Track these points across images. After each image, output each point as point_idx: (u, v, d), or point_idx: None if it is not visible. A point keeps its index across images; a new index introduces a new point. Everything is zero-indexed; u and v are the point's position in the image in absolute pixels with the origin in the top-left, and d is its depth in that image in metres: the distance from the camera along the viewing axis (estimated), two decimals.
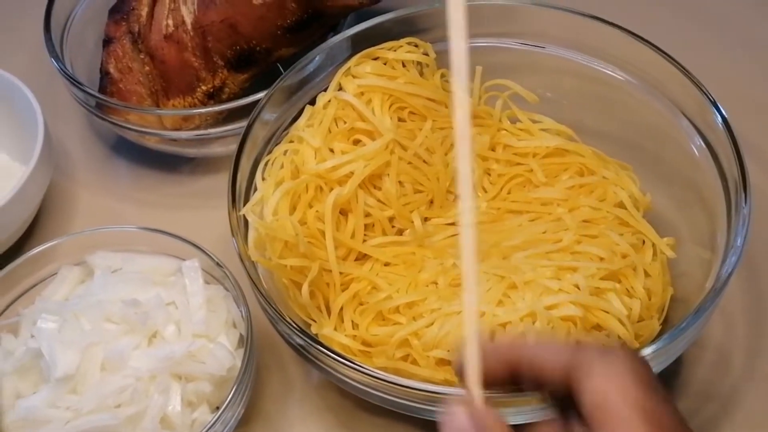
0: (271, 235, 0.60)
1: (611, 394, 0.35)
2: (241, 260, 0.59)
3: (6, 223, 0.69)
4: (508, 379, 0.39)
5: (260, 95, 0.69)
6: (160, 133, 0.73)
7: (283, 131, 0.67)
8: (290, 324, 0.57)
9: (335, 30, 0.74)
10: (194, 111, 0.72)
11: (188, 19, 0.71)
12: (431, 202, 0.67)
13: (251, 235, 0.61)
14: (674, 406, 0.35)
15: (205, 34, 0.71)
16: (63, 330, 0.60)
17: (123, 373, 0.58)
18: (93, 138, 0.81)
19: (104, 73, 0.75)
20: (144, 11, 0.72)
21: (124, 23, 0.74)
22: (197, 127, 0.73)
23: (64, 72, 0.73)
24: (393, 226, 0.66)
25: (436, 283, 0.61)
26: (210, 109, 0.72)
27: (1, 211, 0.67)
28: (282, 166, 0.64)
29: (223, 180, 0.74)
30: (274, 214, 0.61)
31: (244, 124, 0.70)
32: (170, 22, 0.72)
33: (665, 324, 0.62)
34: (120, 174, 0.78)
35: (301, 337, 0.56)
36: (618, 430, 0.34)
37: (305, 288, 0.59)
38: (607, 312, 0.57)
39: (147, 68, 0.73)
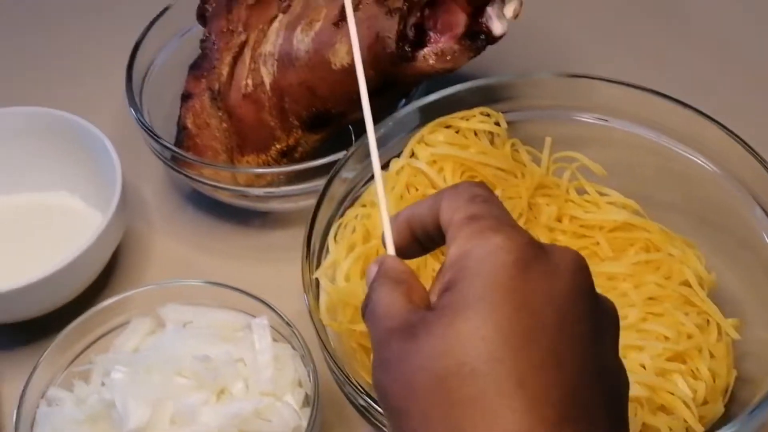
0: (343, 300, 0.61)
1: (451, 212, 0.42)
2: (313, 323, 0.60)
3: (81, 271, 0.71)
4: (414, 241, 0.45)
5: (332, 158, 0.71)
6: (233, 188, 0.75)
7: (356, 194, 0.69)
8: (357, 387, 0.58)
9: (408, 95, 0.76)
10: (268, 170, 0.74)
11: (267, 80, 0.73)
12: None
13: (323, 297, 0.62)
14: (498, 205, 0.42)
15: (283, 95, 0.73)
16: (135, 382, 0.61)
17: (192, 428, 0.60)
18: (169, 186, 0.83)
19: (182, 127, 0.77)
20: (225, 70, 0.74)
21: (203, 80, 0.76)
22: (269, 184, 0.74)
23: (143, 123, 0.76)
24: None
25: None
26: (283, 168, 0.73)
27: (77, 261, 0.68)
28: (354, 230, 0.65)
29: (291, 235, 0.77)
30: (346, 279, 0.62)
31: (313, 183, 0.73)
32: (250, 81, 0.74)
33: (729, 404, 0.62)
34: (193, 223, 0.80)
35: (365, 400, 0.57)
36: (454, 235, 0.41)
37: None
38: (673, 394, 0.58)
39: (224, 125, 0.75)
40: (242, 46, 0.75)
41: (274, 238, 0.79)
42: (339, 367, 0.58)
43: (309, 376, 0.63)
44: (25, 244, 0.76)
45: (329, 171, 0.72)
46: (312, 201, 0.74)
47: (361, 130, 0.77)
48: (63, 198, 0.80)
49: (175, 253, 0.78)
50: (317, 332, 0.60)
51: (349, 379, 0.58)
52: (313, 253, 0.64)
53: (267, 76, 0.73)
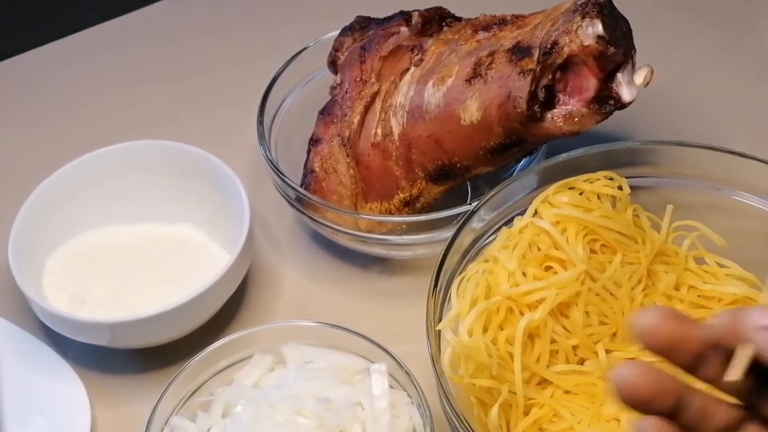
0: (466, 353, 0.62)
1: None
2: (435, 372, 0.61)
3: (207, 304, 0.73)
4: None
5: (455, 210, 0.73)
6: (353, 233, 0.76)
7: (480, 246, 0.70)
8: None
9: (531, 154, 0.77)
10: (390, 218, 0.76)
11: (396, 131, 0.75)
12: (614, 335, 0.69)
13: (446, 350, 0.63)
14: None
15: (411, 146, 0.75)
16: (258, 418, 0.63)
17: None
18: (297, 226, 0.85)
19: (309, 170, 0.79)
20: (356, 119, 0.77)
21: (333, 126, 0.78)
22: (389, 232, 0.76)
23: (271, 162, 0.78)
24: (575, 355, 0.67)
25: (618, 420, 0.63)
26: (405, 218, 0.75)
27: (204, 294, 0.71)
28: (477, 285, 0.66)
29: (408, 282, 0.80)
30: (469, 334, 0.63)
31: (432, 234, 0.75)
32: (379, 131, 0.76)
33: None
34: (317, 263, 0.83)
35: None
36: None
37: (495, 409, 0.61)
38: None
39: (351, 171, 0.77)
40: (374, 96, 0.77)
41: (392, 284, 0.80)
42: (460, 418, 0.59)
43: (425, 425, 0.64)
44: (150, 274, 0.79)
45: (449, 223, 0.73)
46: (430, 251, 0.77)
47: (478, 184, 0.79)
48: (188, 231, 0.82)
49: (297, 291, 0.81)
50: (439, 382, 0.61)
51: (472, 430, 0.59)
52: (437, 304, 0.65)
53: (396, 126, 0.76)
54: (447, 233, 0.73)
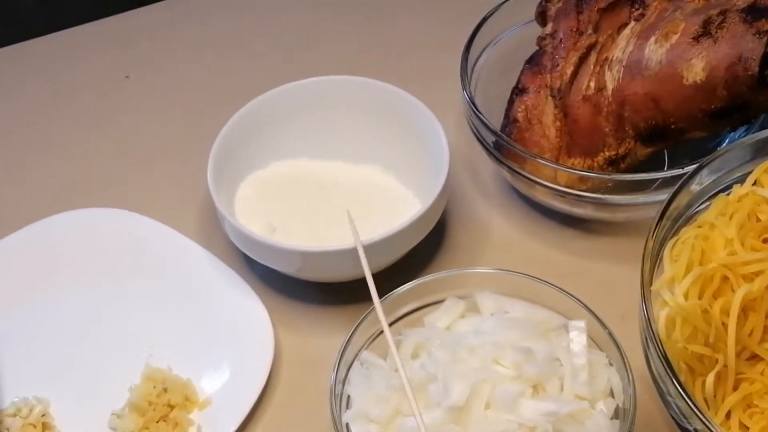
0: (684, 317, 0.59)
1: None
2: (654, 339, 0.59)
3: (389, 249, 0.72)
4: None
5: (672, 173, 0.70)
6: (552, 186, 0.74)
7: (692, 212, 0.67)
8: (696, 407, 0.56)
9: (749, 123, 0.73)
10: (597, 174, 0.73)
11: (610, 85, 0.73)
12: None
13: (661, 312, 0.60)
14: None
15: (624, 103, 0.72)
16: (456, 361, 0.61)
17: (506, 416, 0.60)
18: (496, 177, 0.84)
19: (511, 120, 0.77)
20: (569, 70, 0.74)
21: (541, 77, 0.76)
22: (589, 189, 0.73)
23: (473, 106, 0.76)
24: None
25: None
26: (612, 176, 0.73)
27: (392, 238, 0.70)
28: (692, 249, 0.63)
29: (607, 244, 0.78)
30: (685, 298, 0.60)
31: (632, 197, 0.72)
32: (592, 84, 0.73)
33: None
34: (515, 214, 0.81)
35: (703, 422, 0.55)
36: None
37: (711, 377, 0.58)
38: None
39: (558, 123, 0.75)
40: (590, 47, 0.74)
41: (589, 244, 0.78)
42: (678, 382, 0.57)
43: (625, 387, 0.62)
44: (340, 210, 0.77)
45: (650, 186, 0.71)
46: (627, 214, 0.74)
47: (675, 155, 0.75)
48: (377, 172, 0.80)
49: (495, 240, 0.79)
50: (656, 343, 0.58)
51: (691, 398, 0.56)
52: (646, 269, 0.62)
53: (611, 81, 0.73)
54: (646, 197, 0.71)
